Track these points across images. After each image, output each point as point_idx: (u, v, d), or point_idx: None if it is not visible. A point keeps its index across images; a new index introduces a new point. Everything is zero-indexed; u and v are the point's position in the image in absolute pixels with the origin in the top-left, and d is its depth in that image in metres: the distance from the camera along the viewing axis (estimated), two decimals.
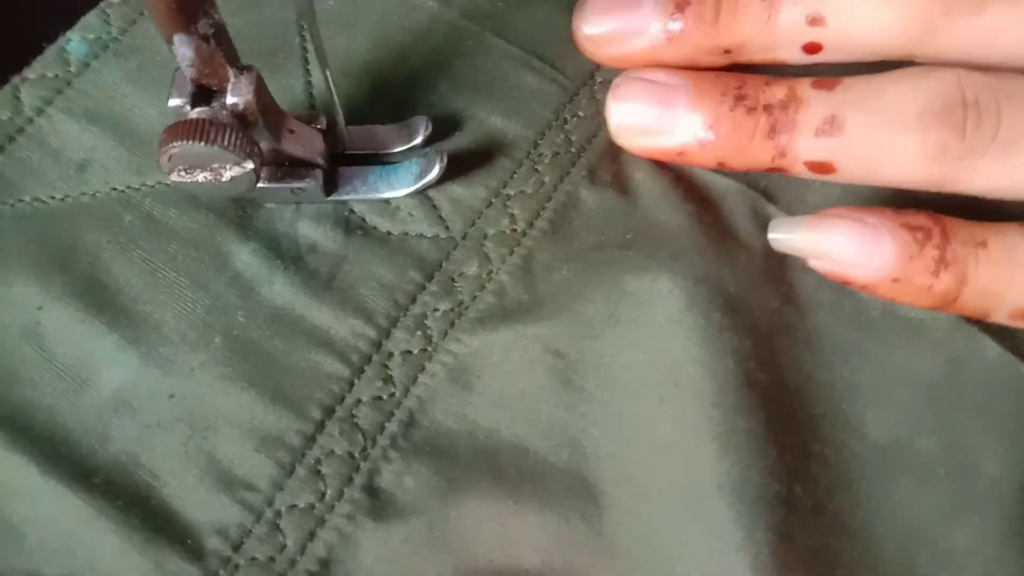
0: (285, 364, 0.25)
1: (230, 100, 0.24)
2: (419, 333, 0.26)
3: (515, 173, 0.28)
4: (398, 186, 0.27)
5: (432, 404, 0.25)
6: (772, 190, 0.27)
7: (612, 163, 0.28)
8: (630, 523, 0.24)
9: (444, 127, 0.28)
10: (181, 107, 0.24)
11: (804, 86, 0.25)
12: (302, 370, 0.25)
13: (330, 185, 0.27)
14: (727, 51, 0.26)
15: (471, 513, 0.24)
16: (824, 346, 0.26)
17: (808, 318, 0.26)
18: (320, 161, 0.26)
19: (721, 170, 0.27)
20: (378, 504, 0.24)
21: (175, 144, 0.23)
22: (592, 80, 0.29)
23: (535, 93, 0.29)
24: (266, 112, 0.24)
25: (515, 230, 0.27)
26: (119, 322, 0.25)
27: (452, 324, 0.26)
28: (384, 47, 0.29)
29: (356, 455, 0.24)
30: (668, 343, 0.25)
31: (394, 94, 0.28)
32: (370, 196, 0.27)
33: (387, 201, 0.27)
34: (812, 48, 0.25)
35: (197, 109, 0.24)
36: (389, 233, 0.27)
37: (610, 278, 0.25)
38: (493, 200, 0.27)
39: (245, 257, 0.26)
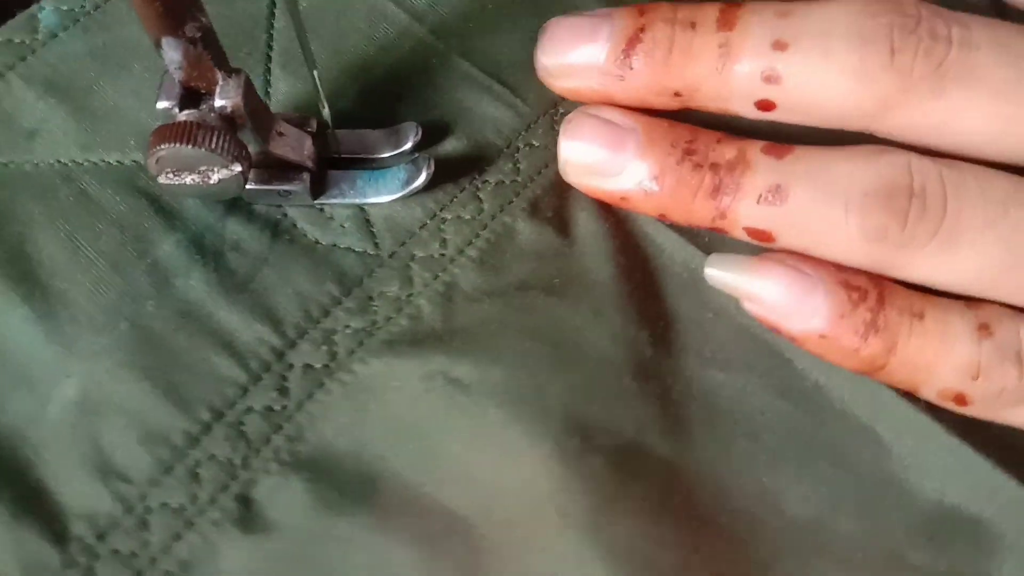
0: (184, 361, 0.25)
1: (218, 103, 0.24)
2: (324, 348, 0.25)
3: (455, 197, 0.27)
4: (385, 191, 0.27)
5: (323, 422, 0.25)
6: (714, 246, 0.27)
7: (557, 198, 0.27)
8: (505, 572, 0.23)
9: (436, 134, 0.28)
10: (169, 110, 0.24)
11: (755, 150, 0.25)
12: (199, 370, 0.25)
13: (318, 188, 0.27)
14: (677, 94, 0.26)
15: (341, 538, 0.23)
16: (751, 414, 0.25)
17: (734, 384, 0.26)
18: (309, 164, 0.26)
19: (662, 221, 0.27)
20: (248, 515, 0.24)
21: (163, 147, 0.23)
22: (554, 110, 0.28)
23: (490, 118, 0.28)
24: (254, 115, 0.24)
25: (443, 255, 0.26)
26: (33, 295, 0.25)
27: (360, 343, 0.25)
28: (345, 55, 0.29)
29: (236, 463, 0.24)
30: None
31: (345, 104, 0.28)
32: (357, 200, 0.27)
33: (321, 209, 0.27)
34: (765, 105, 0.25)
35: (185, 112, 0.24)
36: (317, 242, 0.27)
37: (527, 322, 0.25)
38: (428, 222, 0.27)
39: (168, 247, 0.26)
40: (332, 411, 0.25)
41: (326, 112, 0.26)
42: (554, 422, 0.24)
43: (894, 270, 0.24)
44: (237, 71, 0.24)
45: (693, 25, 0.25)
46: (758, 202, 0.24)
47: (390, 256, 0.27)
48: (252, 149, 0.25)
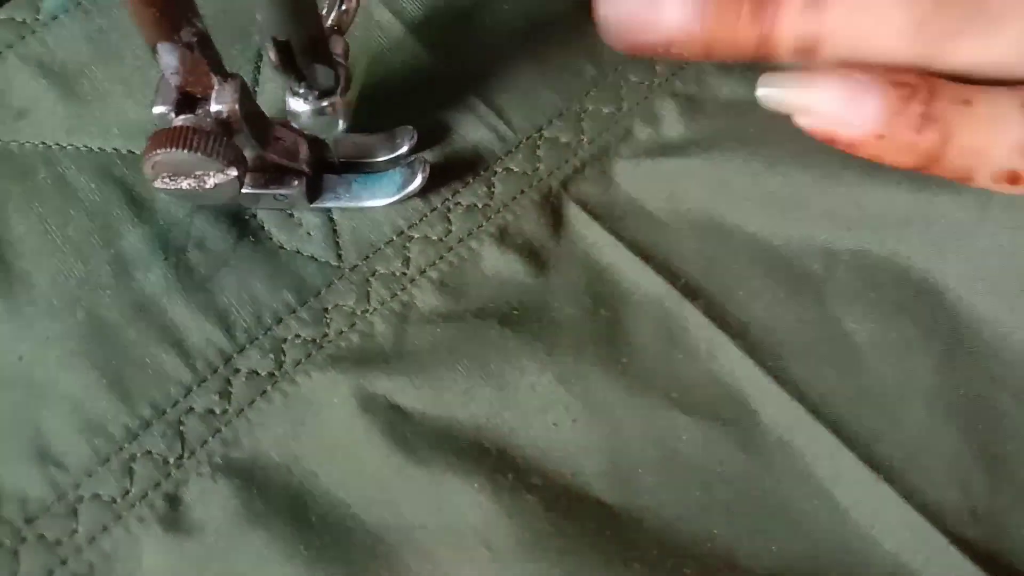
0: (133, 355, 0.25)
1: (214, 107, 0.24)
2: (271, 356, 0.25)
3: (425, 216, 0.27)
4: (381, 195, 0.27)
5: (261, 430, 0.25)
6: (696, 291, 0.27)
7: (529, 227, 0.27)
8: None
9: (430, 138, 0.28)
10: (165, 114, 0.24)
11: None
12: (146, 365, 0.25)
13: (314, 192, 0.27)
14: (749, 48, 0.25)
15: (259, 548, 0.23)
16: (709, 464, 0.25)
17: (697, 430, 0.25)
18: (304, 168, 0.26)
19: (709, 60, 0.26)
20: (174, 515, 0.24)
21: (159, 151, 0.23)
22: (538, 135, 0.28)
23: (471, 139, 0.28)
24: (250, 119, 0.24)
25: (404, 274, 0.26)
26: None
27: (308, 355, 0.25)
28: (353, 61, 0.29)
29: (170, 462, 0.24)
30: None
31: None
32: (353, 204, 0.27)
33: (291, 214, 0.27)
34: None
35: (181, 116, 0.24)
36: (281, 247, 0.27)
37: (477, 353, 0.25)
38: (395, 238, 0.27)
39: (133, 239, 0.27)
40: (270, 420, 0.25)
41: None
42: (488, 458, 0.24)
43: (938, 61, 0.24)
44: (233, 76, 0.24)
45: None
46: (802, 10, 0.24)
47: (351, 269, 0.27)
48: (248, 153, 0.25)
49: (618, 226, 0.27)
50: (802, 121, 0.25)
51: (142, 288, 0.26)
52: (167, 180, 0.24)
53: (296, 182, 0.26)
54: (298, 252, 0.27)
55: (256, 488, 0.24)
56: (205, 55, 0.23)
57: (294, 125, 0.26)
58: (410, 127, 0.27)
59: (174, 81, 0.24)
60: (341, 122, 0.26)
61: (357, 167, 0.28)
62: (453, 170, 0.28)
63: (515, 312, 0.26)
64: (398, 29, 0.29)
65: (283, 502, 0.24)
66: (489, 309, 0.26)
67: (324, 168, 0.27)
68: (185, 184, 0.24)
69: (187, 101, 0.24)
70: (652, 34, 0.25)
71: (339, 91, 0.25)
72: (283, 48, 0.22)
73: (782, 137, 0.26)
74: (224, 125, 0.24)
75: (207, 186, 0.24)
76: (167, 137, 0.23)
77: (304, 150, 0.26)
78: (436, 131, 0.28)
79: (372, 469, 0.24)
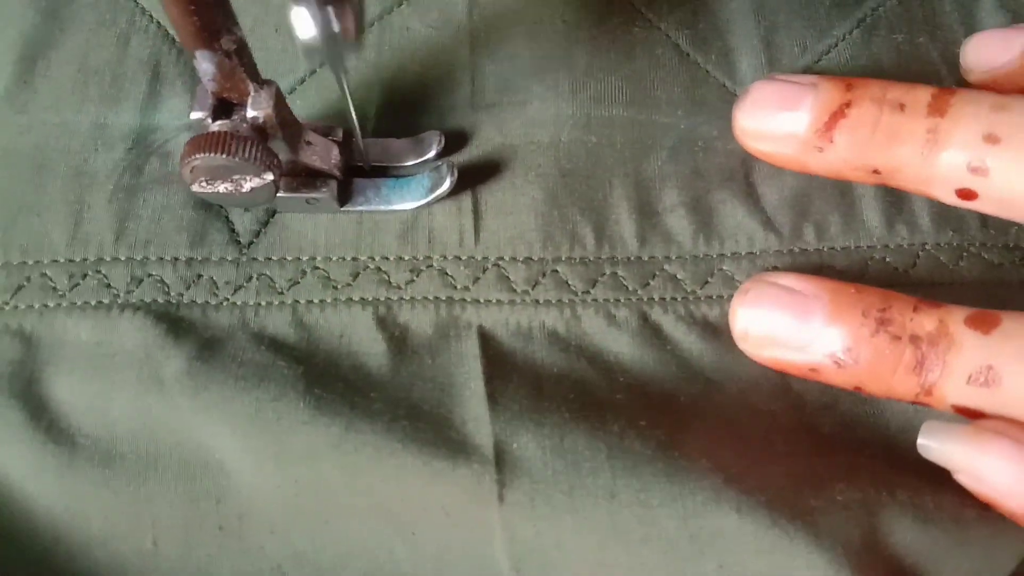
0: (37, 203, 0.27)
1: (250, 113, 0.24)
2: (108, 280, 0.27)
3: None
4: (410, 198, 0.27)
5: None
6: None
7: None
8: None
9: (457, 142, 0.29)
10: (203, 120, 0.24)
11: (957, 322, 0.23)
12: (38, 220, 0.27)
13: (344, 196, 0.27)
14: (876, 171, 0.25)
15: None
16: None
17: None
18: (336, 172, 0.27)
19: (857, 392, 0.25)
20: None
21: (197, 156, 0.24)
22: None
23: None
24: (284, 125, 0.25)
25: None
26: None
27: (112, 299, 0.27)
28: (381, 67, 0.30)
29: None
30: None
31: (370, 113, 0.29)
32: (382, 207, 0.27)
33: (246, 209, 0.28)
34: (967, 195, 0.24)
35: (218, 122, 0.24)
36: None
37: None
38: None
39: (118, 117, 0.29)
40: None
41: (357, 129, 0.26)
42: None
43: None
44: (268, 82, 0.25)
45: (902, 107, 0.24)
46: (968, 383, 0.23)
47: (249, 259, 0.27)
48: (281, 158, 0.26)
49: None
50: (962, 479, 0.24)
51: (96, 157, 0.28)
52: (204, 184, 0.25)
53: (327, 186, 0.27)
54: (226, 217, 0.28)
55: None
56: (242, 62, 0.23)
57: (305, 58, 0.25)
58: (437, 132, 0.28)
59: (211, 87, 0.24)
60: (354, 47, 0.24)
61: (386, 171, 0.28)
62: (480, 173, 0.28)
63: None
64: (428, 33, 0.30)
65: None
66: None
67: (355, 172, 0.28)
68: (222, 188, 0.25)
69: (223, 107, 0.25)
70: (796, 358, 0.24)
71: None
72: None
73: None
74: (259, 130, 0.25)
75: (244, 190, 0.25)
76: (205, 142, 0.24)
77: (335, 155, 0.27)
78: (463, 135, 0.29)
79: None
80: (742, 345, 0.25)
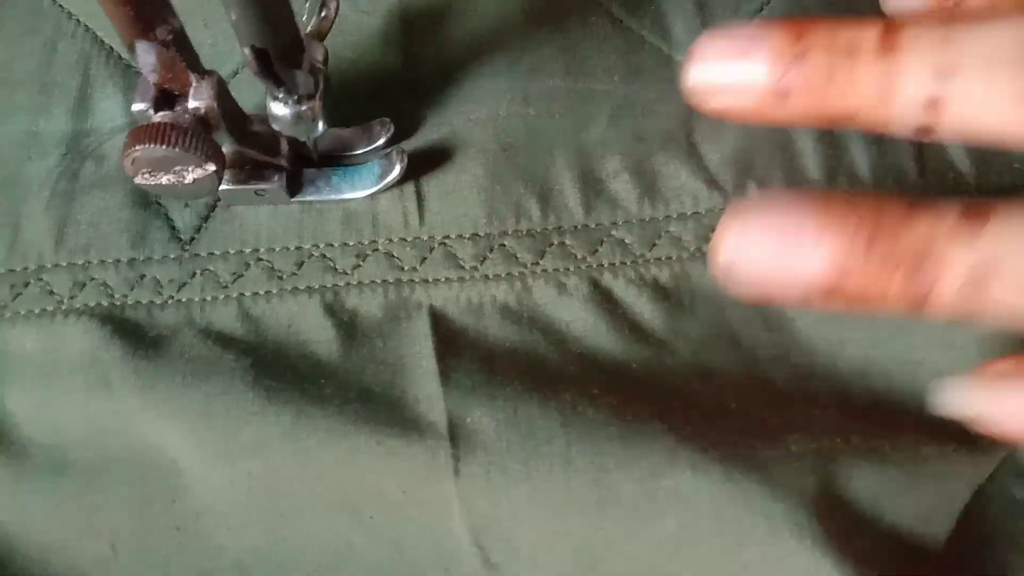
0: None
1: (192, 104, 0.24)
2: (56, 287, 0.27)
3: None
4: (360, 186, 0.27)
5: None
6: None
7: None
8: None
9: (397, 125, 0.28)
10: (144, 111, 0.24)
11: (950, 222, 0.22)
12: None
13: (294, 186, 0.27)
14: (833, 118, 0.24)
15: None
16: None
17: None
18: (283, 163, 0.27)
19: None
20: None
21: (137, 148, 0.24)
22: None
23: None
24: (228, 115, 0.25)
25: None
26: None
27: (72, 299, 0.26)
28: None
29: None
30: None
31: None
32: (333, 196, 0.27)
33: (186, 204, 0.27)
34: (925, 130, 0.23)
35: (160, 113, 0.24)
36: (157, 200, 0.28)
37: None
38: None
39: (53, 122, 0.29)
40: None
41: None
42: None
43: None
44: (210, 73, 0.24)
45: (854, 50, 0.23)
46: (959, 289, 0.22)
47: (192, 254, 0.27)
48: (227, 149, 0.25)
49: None
50: (986, 426, 0.23)
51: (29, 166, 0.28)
52: (147, 176, 0.25)
53: (276, 177, 0.27)
54: (165, 214, 0.27)
55: None
56: (182, 53, 0.23)
57: (275, 128, 0.26)
58: (387, 119, 0.28)
59: (152, 79, 0.24)
60: (321, 124, 0.26)
61: (336, 160, 0.28)
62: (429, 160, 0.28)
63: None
64: (372, 24, 0.30)
65: None
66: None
67: (303, 162, 0.28)
68: (165, 180, 0.25)
69: (165, 98, 0.24)
70: (789, 286, 0.23)
71: (318, 95, 0.25)
72: (261, 55, 0.23)
73: None
74: (202, 121, 0.24)
75: (186, 181, 0.25)
76: (146, 133, 0.24)
77: (283, 145, 0.27)
78: (412, 122, 0.29)
79: None
80: (729, 277, 0.23)
